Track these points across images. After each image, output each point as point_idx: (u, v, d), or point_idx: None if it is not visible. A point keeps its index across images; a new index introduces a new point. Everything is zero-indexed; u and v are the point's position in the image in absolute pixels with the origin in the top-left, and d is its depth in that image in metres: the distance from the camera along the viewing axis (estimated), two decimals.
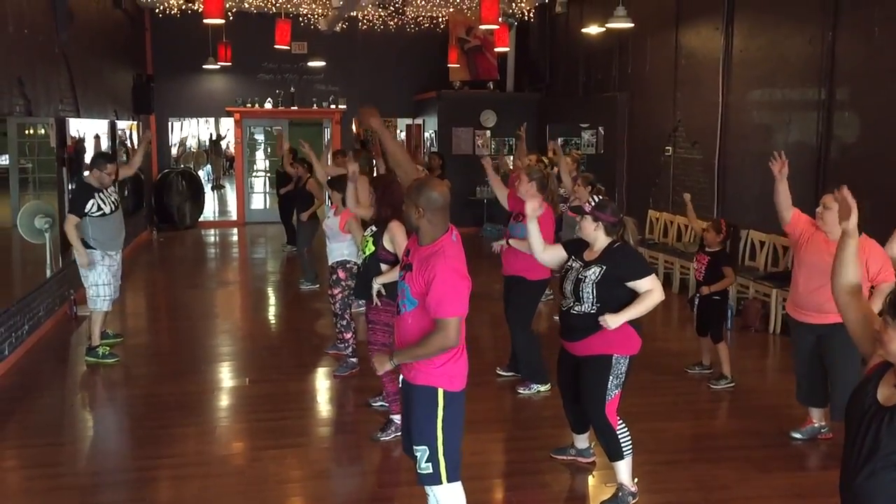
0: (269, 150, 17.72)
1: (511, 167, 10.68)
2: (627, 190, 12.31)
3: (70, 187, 9.03)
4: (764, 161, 9.18)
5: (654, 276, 4.38)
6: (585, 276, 4.33)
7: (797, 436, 5.40)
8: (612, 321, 4.21)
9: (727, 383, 6.43)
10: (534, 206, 4.48)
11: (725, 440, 5.55)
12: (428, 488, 3.63)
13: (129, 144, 13.47)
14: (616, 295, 4.29)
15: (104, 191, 7.03)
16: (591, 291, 4.29)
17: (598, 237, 4.40)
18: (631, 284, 4.29)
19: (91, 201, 6.90)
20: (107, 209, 6.99)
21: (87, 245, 6.98)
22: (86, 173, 7.22)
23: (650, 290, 4.28)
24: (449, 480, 3.53)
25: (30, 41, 7.99)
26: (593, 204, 4.43)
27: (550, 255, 4.69)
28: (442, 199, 3.53)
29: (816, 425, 5.40)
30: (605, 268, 4.30)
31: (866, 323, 2.55)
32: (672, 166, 11.07)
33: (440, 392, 3.49)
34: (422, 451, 3.51)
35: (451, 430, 3.53)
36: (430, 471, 3.51)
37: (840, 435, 5.15)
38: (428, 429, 3.50)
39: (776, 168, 5.27)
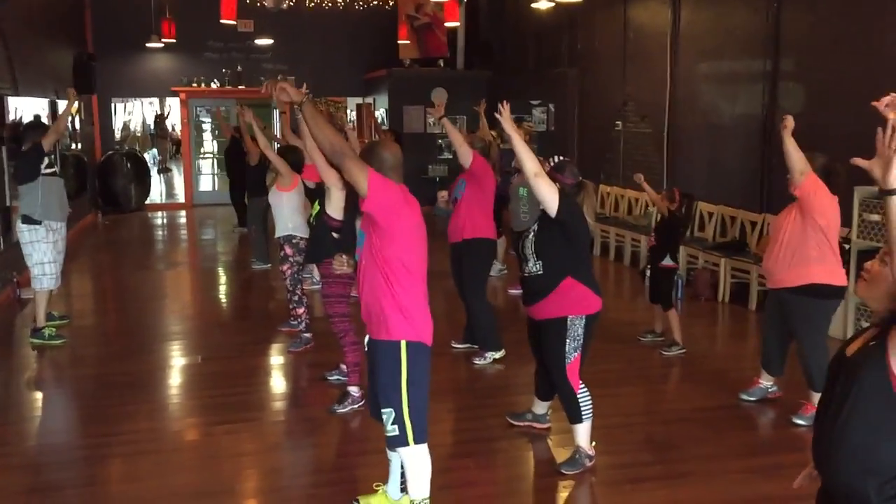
0: (216, 131, 17.39)
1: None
2: (578, 165, 12.32)
3: (9, 167, 8.74)
4: (711, 133, 9.37)
5: (557, 193, 4.17)
6: (530, 233, 4.34)
7: (746, 397, 5.50)
8: (505, 122, 4.23)
9: (679, 350, 6.53)
10: (509, 122, 4.29)
11: (678, 403, 5.66)
12: (394, 452, 3.64)
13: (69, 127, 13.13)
14: (554, 247, 4.26)
15: (49, 155, 6.93)
16: (530, 247, 4.32)
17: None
18: (545, 208, 4.19)
19: (45, 160, 6.84)
20: (56, 169, 6.95)
21: (31, 220, 6.80)
22: (25, 147, 7.01)
23: (545, 186, 4.13)
24: (416, 442, 3.54)
25: None
26: (552, 164, 4.42)
27: (546, 182, 4.19)
28: (393, 159, 3.58)
29: (763, 385, 5.50)
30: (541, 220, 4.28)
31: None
32: (622, 141, 11.17)
33: (403, 345, 3.49)
34: (388, 414, 3.52)
35: (416, 390, 3.53)
36: (397, 433, 3.52)
37: (788, 395, 5.31)
38: (392, 389, 3.50)
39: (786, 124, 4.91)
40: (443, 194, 6.69)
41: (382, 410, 3.54)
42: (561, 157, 4.53)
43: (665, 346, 6.63)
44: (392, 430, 3.52)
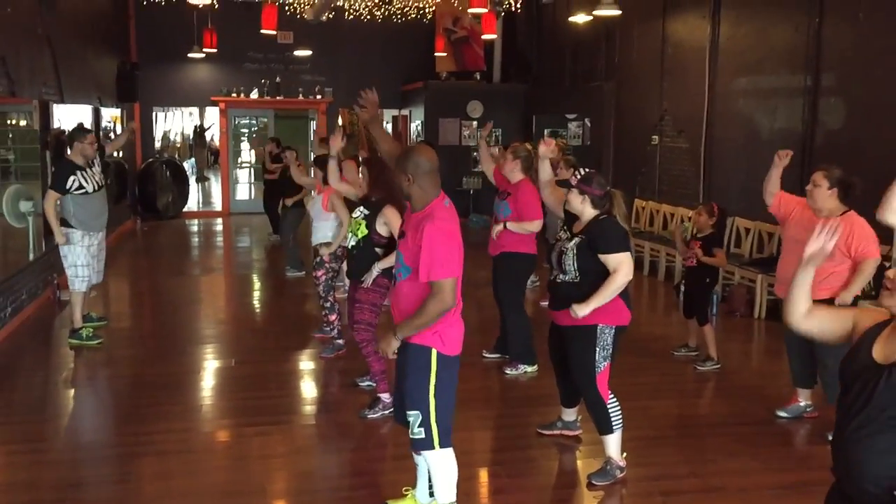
0: (253, 139, 17.66)
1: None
2: (614, 179, 12.30)
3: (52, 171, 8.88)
4: (749, 149, 9.28)
5: (625, 253, 4.26)
6: (567, 248, 4.35)
7: (783, 414, 5.42)
8: (581, 311, 4.20)
9: (713, 365, 6.45)
10: (546, 147, 5.07)
11: (712, 418, 5.59)
12: (419, 455, 3.64)
13: (112, 136, 13.40)
14: (595, 267, 4.28)
15: (87, 169, 6.99)
16: (571, 262, 4.31)
17: (584, 210, 4.39)
18: (602, 258, 4.25)
19: (73, 178, 6.86)
20: (89, 188, 6.95)
21: (67, 224, 6.92)
22: (68, 152, 7.14)
23: (616, 272, 4.21)
24: (441, 446, 3.53)
25: (13, 20, 7.91)
26: (579, 177, 4.43)
27: (554, 196, 5.01)
28: (429, 164, 3.57)
29: (802, 404, 5.42)
30: (583, 238, 4.31)
31: (831, 320, 2.58)
32: (658, 155, 11.11)
33: (434, 353, 3.49)
34: (414, 417, 3.51)
35: (443, 395, 3.53)
36: (423, 436, 3.51)
37: (826, 413, 5.22)
38: (420, 393, 3.50)
39: (781, 155, 5.28)
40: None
41: (409, 413, 3.54)
42: (587, 170, 4.55)
43: (699, 360, 6.55)
44: (418, 433, 3.52)
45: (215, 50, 13.96)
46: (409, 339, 3.55)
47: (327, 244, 6.82)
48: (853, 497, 2.33)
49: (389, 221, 5.31)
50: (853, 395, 2.33)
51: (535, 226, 6.07)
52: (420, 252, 3.39)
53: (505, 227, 6.10)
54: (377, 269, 5.33)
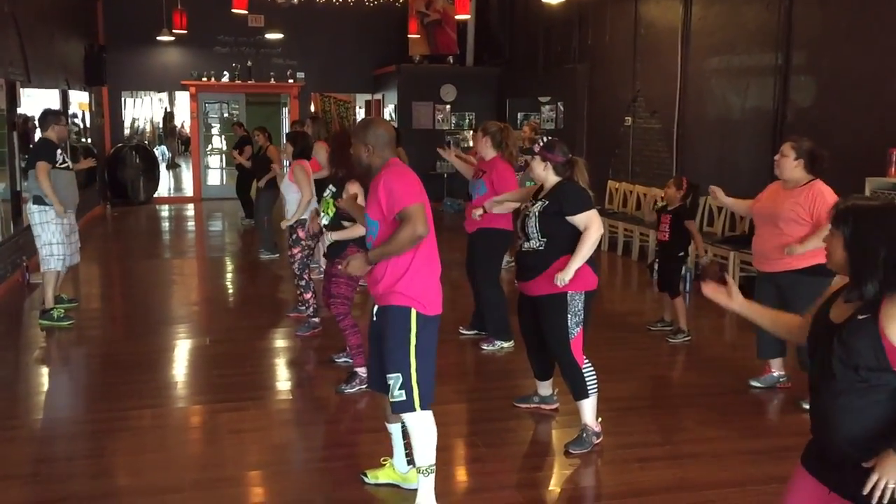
0: (224, 125, 17.46)
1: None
2: (587, 161, 12.33)
3: (22, 161, 8.63)
4: (722, 128, 9.35)
5: (592, 211, 4.31)
6: (531, 212, 4.39)
7: (756, 384, 5.47)
8: (565, 275, 4.22)
9: (684, 337, 6.51)
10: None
11: (685, 388, 5.65)
12: (394, 423, 3.63)
13: (79, 124, 13.23)
14: (561, 230, 4.31)
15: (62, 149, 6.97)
16: (534, 225, 4.35)
17: (547, 177, 4.46)
18: (571, 220, 4.29)
19: (59, 151, 6.85)
20: (69, 164, 6.95)
21: (42, 202, 6.83)
22: (38, 134, 7.04)
23: (587, 229, 4.26)
24: (422, 407, 3.53)
25: None
26: (542, 144, 4.48)
27: (594, 231, 4.35)
28: (388, 136, 3.66)
29: (775, 374, 5.48)
30: (547, 202, 4.35)
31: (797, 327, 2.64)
32: (631, 136, 11.16)
33: (413, 313, 3.48)
34: (395, 379, 3.50)
35: (424, 356, 3.53)
36: (404, 398, 3.51)
37: (799, 383, 5.28)
38: (401, 354, 3.49)
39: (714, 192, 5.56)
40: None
41: (389, 376, 3.53)
42: (549, 137, 4.60)
43: (671, 333, 6.61)
44: (399, 395, 3.51)
45: (185, 32, 13.77)
46: (387, 301, 3.54)
47: (287, 220, 6.82)
48: (829, 456, 2.36)
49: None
50: (818, 357, 2.37)
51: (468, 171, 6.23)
52: (381, 200, 3.45)
53: (485, 211, 6.01)
54: (330, 236, 5.35)
